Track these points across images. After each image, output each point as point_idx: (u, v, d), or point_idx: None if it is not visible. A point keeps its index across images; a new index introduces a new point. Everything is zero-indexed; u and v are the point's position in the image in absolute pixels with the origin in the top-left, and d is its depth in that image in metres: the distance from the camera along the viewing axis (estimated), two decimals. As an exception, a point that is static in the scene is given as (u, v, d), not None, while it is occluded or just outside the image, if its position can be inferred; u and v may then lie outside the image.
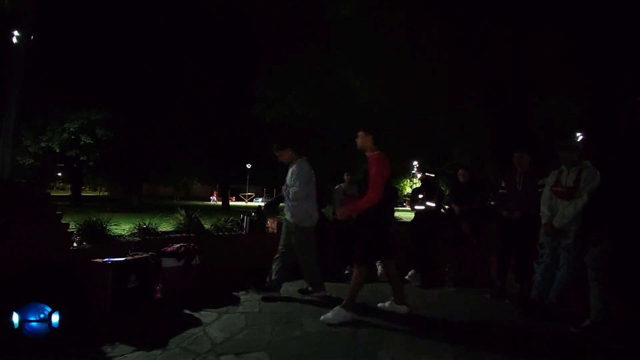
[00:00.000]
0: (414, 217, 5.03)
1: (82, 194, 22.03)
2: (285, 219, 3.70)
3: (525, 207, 3.79)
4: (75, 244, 3.44)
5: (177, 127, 17.47)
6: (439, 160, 12.26)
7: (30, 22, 6.52)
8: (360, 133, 3.23)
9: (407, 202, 18.98)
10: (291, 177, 3.56)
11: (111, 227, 3.98)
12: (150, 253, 3.55)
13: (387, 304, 3.43)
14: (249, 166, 26.86)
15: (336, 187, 5.13)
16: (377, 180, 3.00)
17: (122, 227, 4.69)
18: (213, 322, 2.98)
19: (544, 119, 8.41)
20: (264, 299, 3.57)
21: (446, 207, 4.98)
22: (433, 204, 4.82)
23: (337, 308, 3.07)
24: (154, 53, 15.67)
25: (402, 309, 3.33)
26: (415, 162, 18.20)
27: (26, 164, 15.87)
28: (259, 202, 31.94)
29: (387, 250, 3.33)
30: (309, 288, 3.78)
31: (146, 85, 15.87)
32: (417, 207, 4.92)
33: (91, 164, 17.32)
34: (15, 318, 2.43)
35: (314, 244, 3.67)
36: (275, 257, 3.72)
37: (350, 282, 3.25)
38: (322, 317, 3.03)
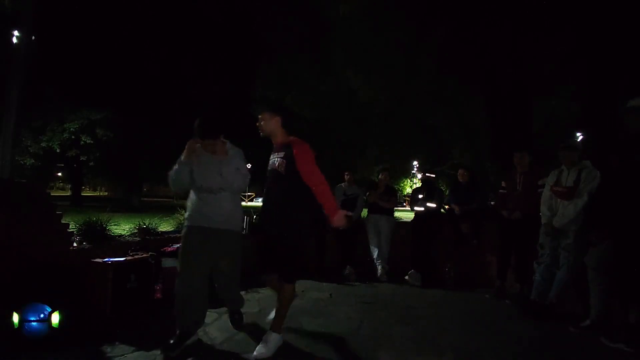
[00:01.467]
0: (414, 217, 5.03)
1: (82, 194, 22.01)
2: (213, 227, 2.54)
3: (525, 207, 3.79)
4: (75, 244, 3.43)
5: (177, 127, 17.46)
6: (439, 160, 12.28)
7: (30, 22, 6.51)
8: (265, 115, 2.58)
9: (407, 202, 18.98)
10: (231, 168, 2.58)
11: (111, 227, 3.98)
12: (150, 253, 3.55)
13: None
14: (249, 166, 26.81)
15: (337, 186, 5.14)
16: (316, 170, 2.45)
17: (122, 227, 4.69)
18: (213, 322, 2.98)
19: (544, 119, 8.44)
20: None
21: (446, 207, 4.98)
22: (433, 205, 4.82)
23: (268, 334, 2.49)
24: (153, 53, 15.66)
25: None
26: (415, 162, 18.21)
27: (26, 164, 15.86)
28: (259, 202, 31.85)
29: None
30: (235, 314, 2.87)
31: (146, 85, 15.86)
32: (417, 208, 4.93)
33: (91, 164, 17.30)
34: (15, 318, 2.43)
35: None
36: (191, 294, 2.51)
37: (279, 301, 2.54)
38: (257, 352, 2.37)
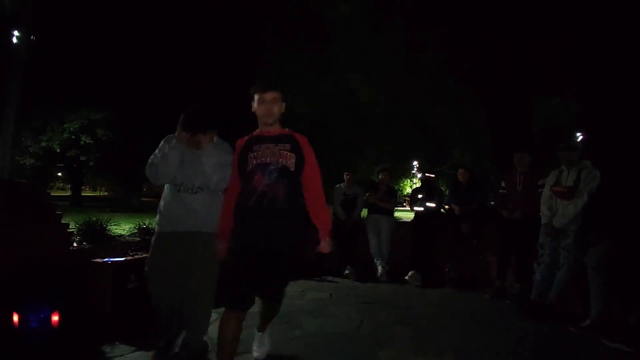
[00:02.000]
0: (414, 217, 5.04)
1: (82, 194, 22.01)
2: (191, 231, 2.24)
3: (525, 207, 3.80)
4: (75, 244, 3.43)
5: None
6: (439, 160, 12.30)
7: (30, 22, 6.51)
8: (277, 96, 2.01)
9: (407, 202, 18.98)
10: (212, 159, 2.22)
11: (111, 227, 3.99)
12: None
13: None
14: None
15: (336, 186, 5.14)
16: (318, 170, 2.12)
17: (122, 227, 4.70)
18: (213, 322, 2.96)
19: (544, 119, 8.45)
20: None
21: (446, 207, 4.98)
22: (433, 205, 4.82)
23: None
24: (153, 53, 15.67)
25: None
26: (415, 162, 18.22)
27: (26, 164, 15.86)
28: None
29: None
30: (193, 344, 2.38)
31: (146, 85, 15.87)
32: (416, 208, 4.92)
33: (91, 164, 17.30)
34: (15, 318, 2.43)
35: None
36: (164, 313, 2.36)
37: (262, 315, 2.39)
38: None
